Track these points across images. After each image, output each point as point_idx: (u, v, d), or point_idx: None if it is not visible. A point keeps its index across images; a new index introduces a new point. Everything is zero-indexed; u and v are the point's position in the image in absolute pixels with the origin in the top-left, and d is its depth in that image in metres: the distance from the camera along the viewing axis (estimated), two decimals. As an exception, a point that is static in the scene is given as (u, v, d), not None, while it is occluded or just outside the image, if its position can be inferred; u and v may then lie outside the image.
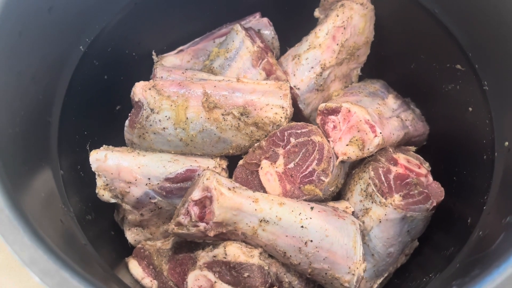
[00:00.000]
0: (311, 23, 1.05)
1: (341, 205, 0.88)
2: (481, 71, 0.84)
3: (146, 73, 1.04)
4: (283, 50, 1.07)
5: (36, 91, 0.73)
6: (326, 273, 0.80)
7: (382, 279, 0.89)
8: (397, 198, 0.83)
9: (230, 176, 0.92)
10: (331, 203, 0.89)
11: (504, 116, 0.79)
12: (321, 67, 0.97)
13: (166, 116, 0.87)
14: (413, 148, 0.96)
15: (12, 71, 0.66)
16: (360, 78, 1.08)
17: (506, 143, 0.77)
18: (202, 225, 0.78)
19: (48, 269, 0.52)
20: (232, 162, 0.93)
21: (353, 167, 0.94)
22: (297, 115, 0.99)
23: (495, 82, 0.81)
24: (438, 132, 1.01)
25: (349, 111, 0.86)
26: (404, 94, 1.04)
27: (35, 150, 0.73)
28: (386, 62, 1.07)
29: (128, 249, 0.93)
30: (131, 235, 0.94)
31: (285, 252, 0.79)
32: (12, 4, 0.66)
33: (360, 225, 0.84)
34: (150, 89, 0.88)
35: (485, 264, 0.56)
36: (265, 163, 0.87)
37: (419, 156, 0.93)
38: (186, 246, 0.86)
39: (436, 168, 0.92)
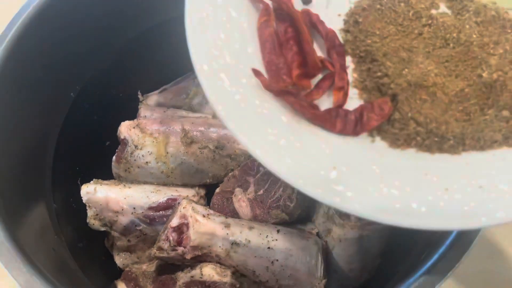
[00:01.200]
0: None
1: (307, 226, 0.98)
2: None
3: (133, 110, 1.14)
4: (256, 86, 1.18)
5: (31, 138, 0.84)
6: (291, 289, 0.89)
7: (347, 293, 0.98)
8: (353, 219, 0.92)
9: (208, 203, 1.02)
10: (299, 225, 0.99)
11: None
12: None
13: (148, 152, 0.97)
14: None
15: (10, 124, 0.77)
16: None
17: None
18: (180, 249, 0.88)
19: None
20: (210, 190, 1.03)
21: (319, 192, 1.03)
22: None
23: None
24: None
25: (310, 142, 0.96)
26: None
27: (31, 189, 0.83)
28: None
29: (117, 273, 1.02)
30: (119, 260, 1.04)
31: (254, 271, 0.89)
32: (10, 67, 0.77)
33: (323, 244, 0.93)
34: (134, 127, 0.99)
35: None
36: (238, 191, 0.98)
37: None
38: (168, 268, 0.95)
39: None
